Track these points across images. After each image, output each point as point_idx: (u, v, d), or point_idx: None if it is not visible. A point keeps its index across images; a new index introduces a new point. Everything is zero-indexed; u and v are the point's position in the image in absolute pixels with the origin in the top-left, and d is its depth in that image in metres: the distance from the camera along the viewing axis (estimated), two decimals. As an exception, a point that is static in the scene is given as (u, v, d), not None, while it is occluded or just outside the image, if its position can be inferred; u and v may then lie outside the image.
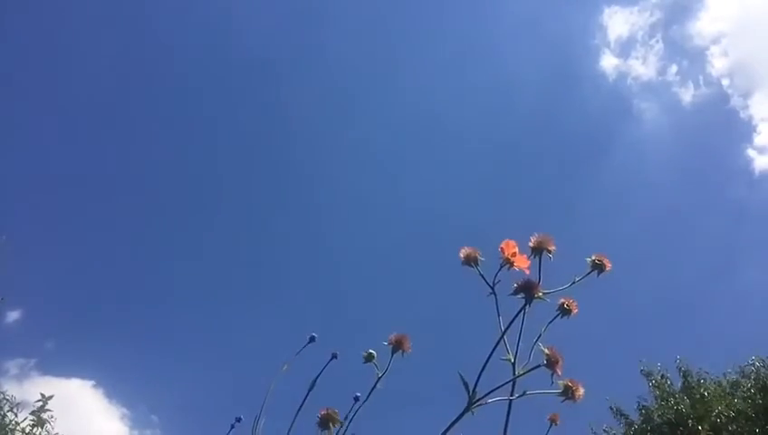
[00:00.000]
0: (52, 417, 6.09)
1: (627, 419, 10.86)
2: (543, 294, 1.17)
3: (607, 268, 1.15)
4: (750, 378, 10.44)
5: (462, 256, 1.16)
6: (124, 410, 13.05)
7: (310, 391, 1.20)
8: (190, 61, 16.50)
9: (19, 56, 15.02)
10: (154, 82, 16.33)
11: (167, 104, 16.76)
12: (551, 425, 1.35)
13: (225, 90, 16.83)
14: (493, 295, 1.15)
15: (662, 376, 10.84)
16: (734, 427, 9.64)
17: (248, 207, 16.82)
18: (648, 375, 10.95)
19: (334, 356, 1.25)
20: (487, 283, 1.15)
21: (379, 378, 1.18)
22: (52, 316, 13.70)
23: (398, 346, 1.18)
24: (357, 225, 16.54)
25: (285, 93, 16.62)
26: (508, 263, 1.12)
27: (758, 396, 9.95)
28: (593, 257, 1.15)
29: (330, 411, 1.16)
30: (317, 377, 1.23)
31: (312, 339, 1.32)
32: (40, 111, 15.28)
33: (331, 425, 1.17)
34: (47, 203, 15.92)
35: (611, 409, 10.90)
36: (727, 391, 10.47)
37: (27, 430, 6.13)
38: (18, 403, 6.56)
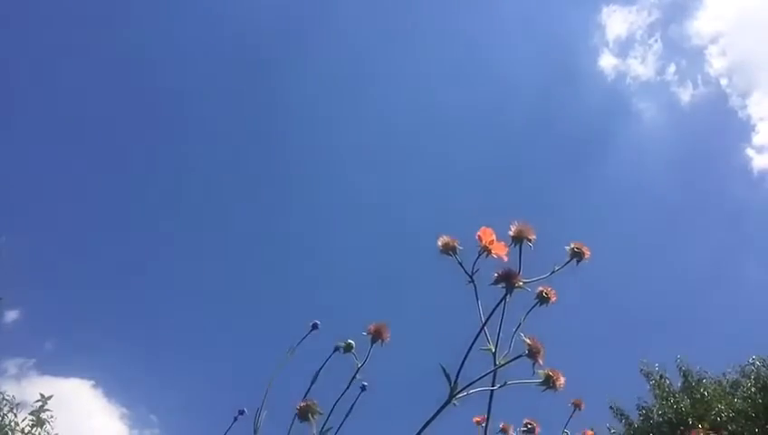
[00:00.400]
0: (51, 417, 6.10)
1: (627, 419, 10.84)
2: (524, 283, 1.16)
3: (586, 256, 1.15)
4: (750, 377, 10.42)
5: (440, 244, 1.15)
6: (123, 410, 13.02)
7: (313, 383, 1.20)
8: (181, 57, 16.50)
9: (15, 55, 15.03)
10: (148, 80, 16.33)
11: (160, 103, 16.75)
12: (574, 410, 1.35)
13: (217, 88, 16.82)
14: (472, 285, 1.15)
15: (661, 376, 10.83)
16: (735, 426, 9.62)
17: (241, 207, 16.82)
18: (647, 375, 10.93)
19: (337, 349, 1.25)
20: (466, 272, 1.14)
21: (359, 368, 1.18)
22: (51, 316, 13.68)
23: (377, 336, 1.18)
24: (344, 220, 16.52)
25: (278, 91, 16.61)
26: (486, 251, 1.11)
27: (758, 396, 9.93)
28: (572, 246, 1.15)
29: (309, 403, 1.15)
30: (319, 369, 1.22)
31: (315, 326, 1.31)
32: (35, 110, 15.29)
33: (310, 416, 1.16)
34: (46, 202, 15.93)
35: (611, 408, 10.88)
36: (727, 390, 10.46)
37: (27, 430, 6.13)
38: (18, 404, 6.57)
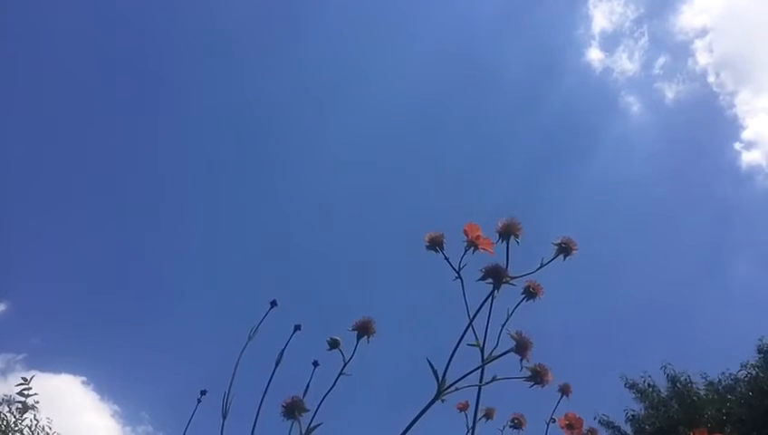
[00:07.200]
0: (36, 401, 6.08)
1: (619, 430, 10.72)
2: (512, 279, 1.16)
3: (573, 251, 1.15)
4: (743, 381, 10.43)
5: (426, 239, 1.15)
6: (115, 407, 12.87)
7: (277, 366, 1.20)
8: (161, 49, 16.42)
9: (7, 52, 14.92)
10: (141, 77, 16.23)
11: (155, 100, 16.68)
12: (561, 396, 1.32)
13: (196, 81, 16.72)
14: (459, 280, 1.14)
15: (649, 385, 10.75)
16: (729, 430, 9.62)
17: (228, 203, 16.73)
18: (632, 387, 10.80)
19: (297, 328, 1.25)
20: (453, 267, 1.14)
21: (345, 364, 1.17)
22: (41, 310, 13.50)
23: (363, 331, 1.17)
24: (330, 214, 16.42)
25: (261, 86, 16.56)
26: (472, 246, 1.11)
27: (752, 399, 9.94)
28: (558, 240, 1.15)
29: (295, 399, 1.14)
30: (283, 350, 1.22)
31: (274, 303, 1.33)
32: (25, 105, 15.18)
33: (297, 414, 1.15)
34: (36, 195, 15.79)
35: (600, 423, 10.65)
36: (721, 393, 10.45)
37: (16, 417, 6.12)
38: (10, 401, 6.55)
